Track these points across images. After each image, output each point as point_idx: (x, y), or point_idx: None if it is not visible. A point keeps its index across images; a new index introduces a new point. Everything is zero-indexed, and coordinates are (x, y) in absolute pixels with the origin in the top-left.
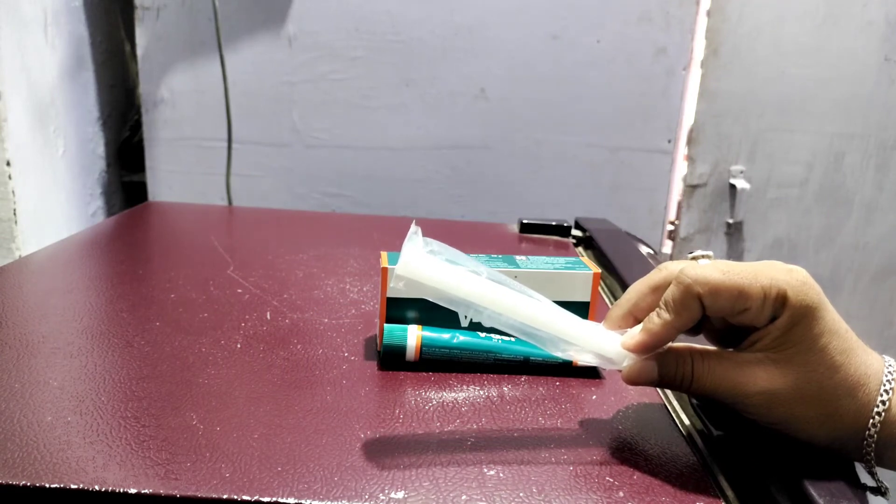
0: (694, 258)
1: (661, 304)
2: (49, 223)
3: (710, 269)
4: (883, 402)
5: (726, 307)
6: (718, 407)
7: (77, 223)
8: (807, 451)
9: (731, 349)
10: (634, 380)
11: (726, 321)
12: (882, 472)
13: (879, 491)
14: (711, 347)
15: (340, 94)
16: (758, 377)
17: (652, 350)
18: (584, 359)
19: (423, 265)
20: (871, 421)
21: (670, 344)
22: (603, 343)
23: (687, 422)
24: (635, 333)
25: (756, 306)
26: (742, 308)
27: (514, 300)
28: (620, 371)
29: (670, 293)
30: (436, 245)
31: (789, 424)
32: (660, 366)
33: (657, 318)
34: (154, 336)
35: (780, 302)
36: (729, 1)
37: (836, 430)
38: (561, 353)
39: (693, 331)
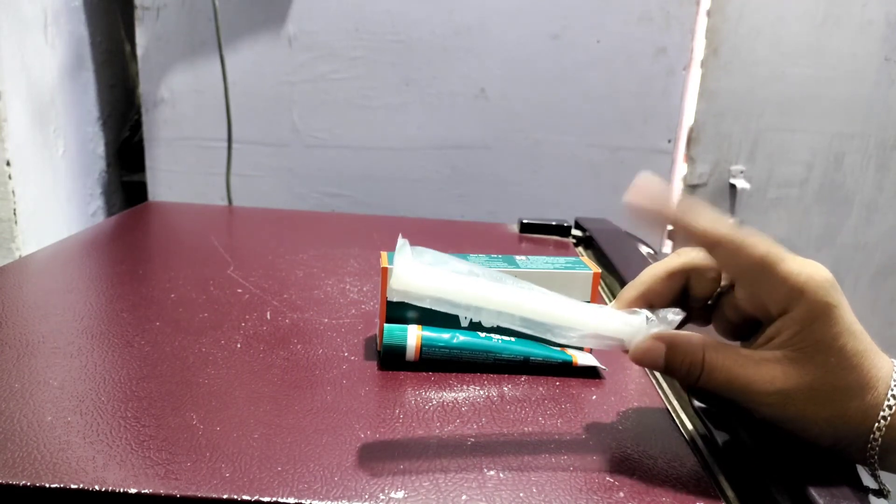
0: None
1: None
2: (49, 223)
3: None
4: (889, 407)
5: (744, 267)
6: (719, 407)
7: (77, 223)
8: (809, 452)
9: (739, 345)
10: (640, 359)
11: (740, 311)
12: (884, 475)
13: (881, 493)
14: (724, 342)
15: (340, 94)
16: (775, 376)
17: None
18: (588, 343)
19: (417, 276)
20: (877, 424)
21: (681, 331)
22: (606, 323)
23: (688, 422)
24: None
25: (777, 283)
26: (760, 277)
27: (512, 294)
28: (627, 352)
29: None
30: (429, 255)
31: (797, 424)
32: (668, 350)
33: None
34: (154, 336)
35: (797, 292)
36: (729, 1)
37: (843, 431)
38: (565, 340)
39: (704, 319)
